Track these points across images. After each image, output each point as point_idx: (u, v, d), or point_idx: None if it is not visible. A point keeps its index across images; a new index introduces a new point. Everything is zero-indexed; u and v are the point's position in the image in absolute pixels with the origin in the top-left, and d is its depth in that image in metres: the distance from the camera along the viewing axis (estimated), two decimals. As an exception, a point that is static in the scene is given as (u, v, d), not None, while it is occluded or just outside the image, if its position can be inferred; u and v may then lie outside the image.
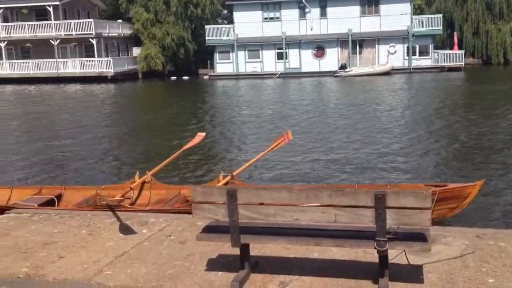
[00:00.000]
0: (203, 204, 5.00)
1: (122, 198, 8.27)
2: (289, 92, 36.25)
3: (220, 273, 5.40)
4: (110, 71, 49.01)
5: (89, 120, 24.35)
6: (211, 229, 5.22)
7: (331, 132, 18.71)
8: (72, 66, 50.18)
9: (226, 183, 8.92)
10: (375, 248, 4.73)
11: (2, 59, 51.41)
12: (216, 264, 5.57)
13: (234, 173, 9.01)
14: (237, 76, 48.92)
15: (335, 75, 46.27)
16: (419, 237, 4.81)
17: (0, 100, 35.47)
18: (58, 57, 50.86)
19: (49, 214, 7.66)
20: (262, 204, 4.88)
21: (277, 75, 47.98)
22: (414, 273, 5.21)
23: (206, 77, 50.47)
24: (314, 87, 39.26)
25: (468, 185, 7.84)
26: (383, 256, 4.85)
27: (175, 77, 51.04)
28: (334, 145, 16.13)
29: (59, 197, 9.24)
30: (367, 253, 5.58)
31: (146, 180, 9.21)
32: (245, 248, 5.20)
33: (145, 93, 42.28)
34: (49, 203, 8.89)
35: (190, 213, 7.64)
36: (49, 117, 25.97)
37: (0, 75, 50.25)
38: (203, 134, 10.55)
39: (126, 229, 6.80)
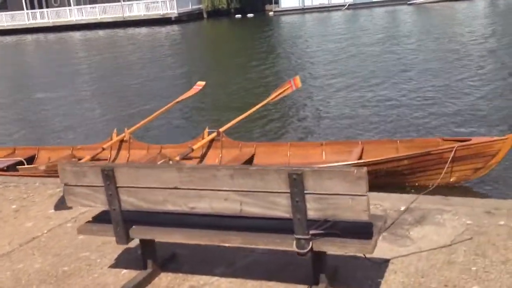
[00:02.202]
0: (76, 188, 3.75)
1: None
2: (360, 24, 33.42)
3: (124, 271, 4.20)
4: (173, 12, 48.06)
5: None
6: (101, 218, 3.98)
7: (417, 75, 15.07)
8: (137, 9, 49.67)
9: (212, 141, 7.64)
10: (295, 250, 3.33)
11: (70, 5, 51.77)
12: (126, 258, 4.37)
13: (221, 129, 7.68)
14: (303, 10, 46.57)
15: (409, 3, 43.06)
16: (359, 232, 3.34)
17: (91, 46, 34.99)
18: (123, 0, 50.42)
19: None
20: (148, 188, 3.56)
21: (345, 7, 45.20)
22: (370, 275, 3.77)
23: (271, 13, 48.42)
24: (388, 17, 36.30)
25: (497, 139, 6.10)
26: (316, 255, 3.44)
27: (240, 15, 49.34)
28: (419, 94, 12.61)
29: (33, 158, 8.33)
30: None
31: (125, 138, 8.08)
32: (146, 242, 3.94)
33: (210, 33, 40.68)
34: (19, 164, 7.99)
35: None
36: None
37: (68, 22, 50.63)
38: (203, 83, 9.16)
39: (61, 203, 5.68)
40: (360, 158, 6.72)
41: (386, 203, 5.00)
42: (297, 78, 8.32)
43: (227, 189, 3.36)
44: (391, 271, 3.80)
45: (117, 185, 3.61)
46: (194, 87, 9.14)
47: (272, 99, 8.16)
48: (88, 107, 15.01)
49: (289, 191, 3.21)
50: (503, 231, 4.22)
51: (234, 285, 3.83)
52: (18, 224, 5.37)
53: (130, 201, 3.63)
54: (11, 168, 7.94)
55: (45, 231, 5.10)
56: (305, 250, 3.29)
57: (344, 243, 3.29)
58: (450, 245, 4.10)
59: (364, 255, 3.72)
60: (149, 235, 3.79)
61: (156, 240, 3.85)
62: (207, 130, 7.63)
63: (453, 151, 5.98)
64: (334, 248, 3.31)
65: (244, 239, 3.52)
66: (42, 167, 7.20)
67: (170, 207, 3.56)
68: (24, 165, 8.04)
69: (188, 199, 3.48)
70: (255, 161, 7.35)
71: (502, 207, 4.68)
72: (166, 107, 8.80)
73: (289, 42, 25.58)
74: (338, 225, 3.35)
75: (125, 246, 4.33)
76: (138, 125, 8.46)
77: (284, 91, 8.24)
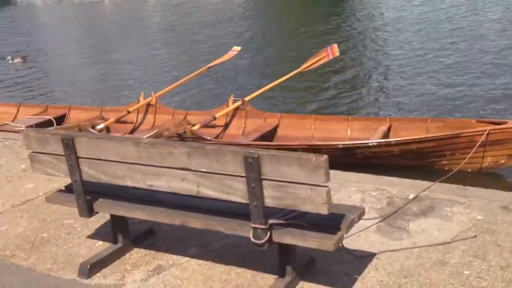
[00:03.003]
0: (41, 155, 3.57)
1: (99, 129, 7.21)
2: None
3: (99, 243, 4.03)
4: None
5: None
6: (71, 187, 3.79)
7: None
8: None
9: (236, 109, 7.34)
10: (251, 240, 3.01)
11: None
12: (107, 230, 4.17)
13: (246, 98, 7.34)
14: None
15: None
16: (325, 225, 2.98)
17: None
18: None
19: (16, 140, 6.73)
20: (107, 161, 3.32)
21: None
22: (348, 269, 3.41)
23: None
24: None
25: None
26: (283, 246, 3.12)
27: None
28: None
29: (63, 117, 8.34)
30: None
31: (151, 102, 7.91)
32: (117, 215, 3.73)
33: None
34: (49, 123, 8.04)
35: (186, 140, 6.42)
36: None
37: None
38: (238, 48, 8.79)
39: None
40: (386, 136, 6.25)
41: (394, 190, 4.57)
42: (335, 46, 7.78)
43: (184, 168, 3.07)
44: (373, 267, 3.42)
45: (78, 155, 3.39)
46: (229, 52, 8.79)
47: (306, 68, 7.70)
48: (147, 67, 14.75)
49: (245, 175, 2.88)
50: (514, 231, 3.73)
51: (202, 268, 3.58)
52: (20, 185, 5.32)
53: (90, 173, 3.42)
54: (40, 126, 7.97)
55: (41, 194, 5.01)
56: (262, 241, 2.97)
57: (304, 236, 2.94)
58: (449, 242, 3.66)
59: (343, 246, 3.36)
60: (113, 210, 3.57)
61: (118, 215, 3.61)
62: (232, 98, 7.32)
63: (485, 134, 5.40)
64: (294, 240, 2.97)
65: (203, 222, 3.23)
66: (63, 128, 7.17)
67: (129, 183, 3.32)
68: (53, 124, 8.08)
69: (146, 175, 3.23)
70: (278, 132, 7.01)
71: (524, 201, 4.15)
72: (197, 71, 8.53)
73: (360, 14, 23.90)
74: (306, 215, 2.99)
75: (107, 216, 4.15)
76: (166, 89, 8.26)
77: (319, 59, 7.75)
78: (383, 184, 4.73)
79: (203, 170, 3.01)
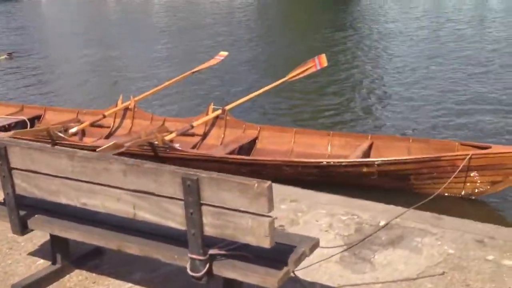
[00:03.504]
0: (-27, 164, 3.26)
1: (72, 133, 6.93)
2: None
3: (40, 262, 3.73)
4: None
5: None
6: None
7: None
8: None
9: (216, 118, 7.05)
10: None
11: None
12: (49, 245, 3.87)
13: (227, 107, 7.05)
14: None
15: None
16: (272, 259, 2.68)
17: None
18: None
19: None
20: (41, 174, 3.03)
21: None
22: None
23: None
24: None
25: (522, 149, 5.18)
26: (226, 280, 2.81)
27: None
28: None
29: (38, 117, 8.05)
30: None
31: (130, 106, 7.61)
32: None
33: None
34: (23, 124, 7.74)
35: (145, 156, 6.03)
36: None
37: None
38: (225, 54, 8.50)
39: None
40: (367, 154, 5.97)
41: (366, 215, 4.27)
42: (323, 56, 7.50)
43: (120, 187, 2.77)
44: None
45: (11, 166, 3.09)
46: (216, 57, 8.51)
47: (292, 77, 7.42)
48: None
49: (183, 199, 2.58)
50: (487, 269, 3.43)
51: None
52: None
53: (23, 186, 3.11)
54: (13, 127, 7.68)
55: None
56: (199, 274, 2.66)
57: (247, 270, 2.64)
58: (414, 279, 3.36)
59: (298, 278, 3.06)
60: (47, 228, 3.27)
61: (54, 234, 3.31)
62: (212, 106, 7.03)
63: (467, 159, 5.11)
64: (235, 274, 2.67)
65: (140, 248, 2.93)
66: (29, 132, 6.85)
67: (63, 200, 3.02)
68: (26, 124, 7.78)
69: (80, 192, 2.92)
70: (257, 145, 6.73)
71: (499, 236, 3.86)
72: (181, 76, 8.24)
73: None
74: (251, 246, 2.68)
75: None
76: (146, 93, 7.97)
77: (306, 69, 7.47)
78: (355, 208, 4.43)
79: (139, 190, 2.72)
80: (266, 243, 2.46)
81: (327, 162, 5.70)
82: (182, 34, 19.73)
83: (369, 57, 14.12)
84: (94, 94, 11.39)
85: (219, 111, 6.97)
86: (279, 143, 6.59)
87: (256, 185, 2.40)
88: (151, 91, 8.00)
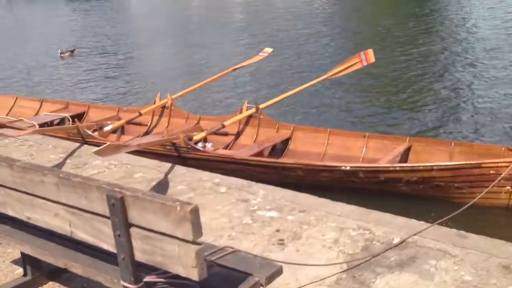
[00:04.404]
0: None
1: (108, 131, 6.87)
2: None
3: (19, 270, 3.52)
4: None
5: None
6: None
7: None
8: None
9: (250, 117, 6.72)
10: (122, 300, 2.37)
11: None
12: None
13: (261, 106, 6.69)
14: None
15: None
16: (219, 287, 2.30)
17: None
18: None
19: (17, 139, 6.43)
20: (-11, 182, 2.79)
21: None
22: None
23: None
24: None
25: None
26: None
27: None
28: None
29: (82, 115, 8.07)
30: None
31: (166, 104, 7.42)
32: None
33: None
34: (65, 121, 7.80)
35: (169, 156, 5.82)
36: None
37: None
38: (269, 50, 8.12)
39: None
40: (404, 159, 5.41)
41: (379, 230, 3.77)
42: (370, 51, 6.95)
43: (56, 201, 2.48)
44: None
45: (-38, 174, 2.87)
46: (260, 53, 8.15)
47: (333, 74, 6.94)
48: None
49: (110, 219, 2.25)
50: (503, 303, 2.87)
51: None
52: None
53: (-26, 196, 2.89)
54: (54, 124, 7.72)
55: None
56: (131, 304, 2.32)
57: (186, 305, 2.27)
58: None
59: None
60: (4, 241, 3.03)
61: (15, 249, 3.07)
62: (246, 104, 6.70)
63: (510, 167, 4.46)
64: (173, 307, 2.30)
65: (84, 269, 2.62)
66: (58, 129, 6.82)
67: (10, 212, 2.77)
68: (69, 121, 7.79)
69: (22, 205, 2.67)
70: (290, 146, 6.33)
71: (530, 261, 3.25)
72: (222, 73, 7.95)
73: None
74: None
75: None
76: (184, 91, 7.76)
77: (351, 66, 6.96)
78: (370, 221, 3.93)
79: (73, 206, 2.41)
80: (194, 275, 2.08)
81: (351, 167, 5.22)
82: (245, 29, 19.51)
83: (424, 53, 13.21)
84: (149, 92, 11.35)
85: (252, 110, 6.66)
86: (312, 145, 6.20)
87: (178, 208, 2.02)
88: (189, 89, 7.79)
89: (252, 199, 4.40)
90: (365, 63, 6.94)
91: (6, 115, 8.38)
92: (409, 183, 5.07)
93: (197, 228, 2.03)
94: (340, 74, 7.00)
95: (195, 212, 2.02)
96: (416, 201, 5.12)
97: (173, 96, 7.50)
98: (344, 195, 4.72)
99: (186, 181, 4.89)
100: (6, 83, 13.43)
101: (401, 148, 5.50)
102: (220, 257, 2.53)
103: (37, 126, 7.40)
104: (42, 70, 14.83)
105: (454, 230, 3.74)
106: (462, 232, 3.70)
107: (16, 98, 8.84)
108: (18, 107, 8.66)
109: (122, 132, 7.56)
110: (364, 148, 5.83)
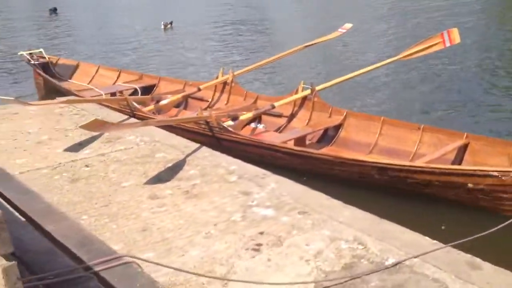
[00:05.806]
0: None
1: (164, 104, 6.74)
2: None
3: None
4: None
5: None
6: None
7: None
8: None
9: (304, 98, 6.21)
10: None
11: None
12: None
13: (317, 87, 6.16)
14: None
15: None
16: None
17: None
18: None
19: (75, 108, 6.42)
20: None
21: None
22: None
23: None
24: None
25: None
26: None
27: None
28: None
29: (153, 86, 8.13)
30: None
31: (227, 80, 7.11)
32: None
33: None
34: (134, 92, 7.88)
35: (202, 135, 5.50)
36: None
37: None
38: (349, 26, 7.46)
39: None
40: (458, 158, 4.65)
41: (378, 246, 3.16)
42: (454, 30, 6.10)
43: None
44: None
45: None
46: (339, 29, 7.53)
47: (406, 56, 6.18)
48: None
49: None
50: None
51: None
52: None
53: None
54: (123, 94, 7.76)
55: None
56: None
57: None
58: None
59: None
60: None
61: None
62: (302, 85, 6.20)
63: None
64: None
65: None
66: (109, 100, 6.77)
67: None
68: (138, 92, 7.82)
69: None
70: (340, 133, 5.75)
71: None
72: (293, 49, 7.46)
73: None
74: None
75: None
76: (247, 68, 7.43)
77: (430, 46, 6.17)
78: (373, 233, 3.32)
79: None
80: (7, 297, 1.71)
81: (389, 165, 4.56)
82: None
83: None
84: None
85: (308, 91, 6.18)
86: (364, 133, 5.66)
87: None
88: (252, 65, 7.47)
89: (256, 192, 3.94)
90: (448, 44, 6.12)
91: (88, 83, 8.60)
92: (466, 190, 4.29)
93: (6, 242, 1.65)
94: (417, 54, 6.29)
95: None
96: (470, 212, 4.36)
97: (236, 73, 7.18)
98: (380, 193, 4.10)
99: (201, 166, 4.53)
100: (110, 55, 13.88)
101: (457, 144, 4.73)
102: (106, 269, 2.14)
103: (103, 96, 7.46)
104: (146, 43, 15.27)
105: (468, 256, 3.04)
106: (476, 259, 2.99)
107: (99, 67, 9.08)
108: (99, 76, 8.94)
109: (185, 107, 7.40)
110: (418, 143, 5.15)
